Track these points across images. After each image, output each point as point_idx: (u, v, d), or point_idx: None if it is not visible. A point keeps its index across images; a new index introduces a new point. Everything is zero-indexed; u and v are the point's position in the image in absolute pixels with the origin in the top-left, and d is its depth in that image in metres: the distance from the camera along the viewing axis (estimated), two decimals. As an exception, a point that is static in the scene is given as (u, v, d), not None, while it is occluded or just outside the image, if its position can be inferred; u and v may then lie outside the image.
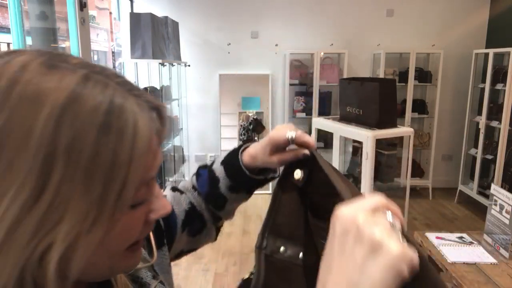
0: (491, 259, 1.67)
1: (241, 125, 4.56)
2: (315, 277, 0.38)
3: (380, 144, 2.87)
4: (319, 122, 3.19)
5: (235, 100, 4.66)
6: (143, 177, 0.38)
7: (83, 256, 0.36)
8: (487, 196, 3.69)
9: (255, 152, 0.65)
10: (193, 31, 4.45)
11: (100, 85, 0.36)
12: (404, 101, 4.37)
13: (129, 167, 0.36)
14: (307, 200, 0.58)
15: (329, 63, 4.45)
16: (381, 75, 4.26)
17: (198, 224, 0.71)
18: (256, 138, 4.62)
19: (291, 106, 4.53)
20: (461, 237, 1.87)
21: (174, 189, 0.73)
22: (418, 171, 4.55)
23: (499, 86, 3.78)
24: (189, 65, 4.33)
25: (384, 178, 3.27)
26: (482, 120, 3.97)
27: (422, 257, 0.34)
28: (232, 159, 0.68)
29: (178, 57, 4.00)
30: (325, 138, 3.97)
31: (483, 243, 1.81)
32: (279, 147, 0.62)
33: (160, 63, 3.29)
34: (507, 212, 1.69)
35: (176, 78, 4.17)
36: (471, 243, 1.82)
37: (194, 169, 0.76)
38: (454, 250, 1.75)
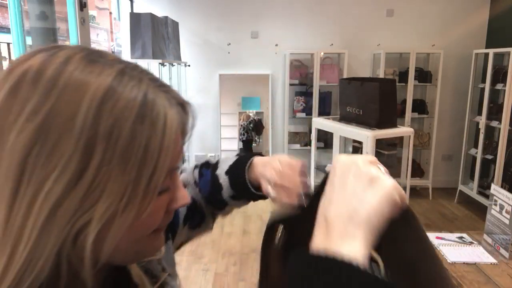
0: (491, 259, 1.67)
1: (241, 125, 4.56)
2: None
3: (380, 144, 2.87)
4: (319, 122, 3.19)
5: (235, 100, 4.66)
6: (170, 166, 0.41)
7: (116, 236, 0.38)
8: (487, 196, 3.69)
9: (262, 172, 0.64)
10: (193, 31, 4.45)
11: (135, 80, 0.39)
12: (404, 101, 4.36)
13: (159, 155, 0.39)
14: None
15: (329, 63, 4.45)
16: (381, 75, 4.26)
17: (198, 218, 0.72)
18: (256, 138, 4.62)
19: (291, 106, 4.53)
20: (461, 237, 1.87)
21: None
22: (418, 171, 4.55)
23: (499, 86, 3.78)
24: (189, 65, 4.33)
25: (384, 178, 3.27)
26: (482, 120, 3.97)
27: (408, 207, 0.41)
28: (238, 171, 0.67)
29: (178, 57, 4.00)
30: (325, 138, 3.97)
31: (483, 243, 1.81)
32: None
33: (160, 63, 3.29)
34: (507, 212, 1.69)
35: (176, 78, 4.16)
36: (471, 243, 1.82)
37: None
38: (454, 250, 1.75)
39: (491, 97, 3.91)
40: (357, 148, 3.22)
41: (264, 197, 0.67)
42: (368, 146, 2.57)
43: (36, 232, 0.35)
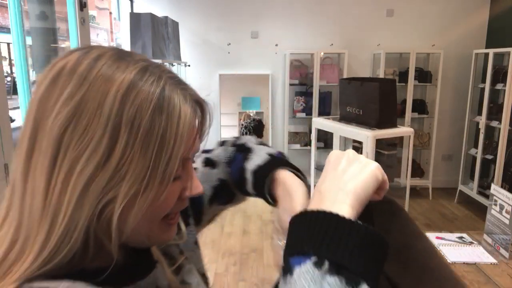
0: (491, 259, 1.67)
1: (242, 124, 4.55)
2: None
3: (380, 144, 2.87)
4: (319, 122, 3.19)
5: (235, 100, 4.66)
6: (183, 155, 0.46)
7: (137, 214, 0.43)
8: (487, 196, 3.69)
9: (280, 194, 0.61)
10: (193, 31, 4.45)
11: (155, 76, 0.45)
12: (404, 101, 4.36)
13: (175, 143, 0.44)
14: None
15: (329, 63, 4.45)
16: (381, 75, 4.26)
17: (226, 197, 0.72)
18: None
19: (291, 106, 4.53)
20: (461, 237, 1.87)
21: (207, 162, 0.72)
22: (418, 171, 4.55)
23: (499, 86, 3.78)
24: (189, 65, 4.33)
25: (384, 178, 3.27)
26: (482, 120, 3.97)
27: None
28: (261, 178, 0.63)
29: (178, 57, 4.00)
30: (325, 138, 3.97)
31: (483, 243, 1.80)
32: None
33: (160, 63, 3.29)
34: (507, 212, 1.69)
35: (176, 78, 4.16)
36: (471, 243, 1.82)
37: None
38: (454, 250, 1.75)
39: (491, 97, 3.91)
40: (357, 148, 3.22)
41: None
42: (368, 146, 2.57)
43: (72, 206, 0.41)
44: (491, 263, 1.65)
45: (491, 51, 3.85)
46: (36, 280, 0.40)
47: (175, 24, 3.88)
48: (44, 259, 0.41)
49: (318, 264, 0.38)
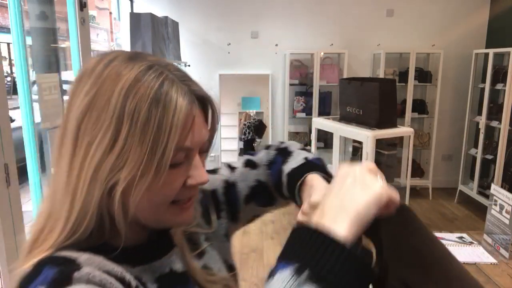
0: (491, 259, 1.67)
1: (245, 124, 4.54)
2: None
3: (380, 144, 2.87)
4: (319, 122, 3.19)
5: (235, 100, 4.66)
6: (179, 144, 0.49)
7: (137, 196, 0.48)
8: (487, 196, 3.69)
9: (305, 196, 0.64)
10: (193, 31, 4.45)
11: (157, 72, 0.49)
12: (404, 101, 4.36)
13: (170, 133, 0.48)
14: None
15: (329, 63, 4.45)
16: (381, 75, 4.26)
17: (265, 199, 0.75)
18: (257, 138, 4.61)
19: (291, 106, 4.52)
20: (461, 237, 1.87)
21: (248, 163, 0.77)
22: (418, 171, 4.55)
23: (499, 86, 3.78)
24: (189, 65, 4.33)
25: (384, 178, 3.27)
26: (482, 120, 3.97)
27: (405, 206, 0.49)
28: (293, 181, 0.67)
29: (178, 57, 4.00)
30: (325, 138, 3.97)
31: (483, 243, 1.80)
32: None
33: (160, 63, 3.29)
34: (507, 212, 1.69)
35: (176, 78, 4.16)
36: (471, 243, 1.82)
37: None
38: (454, 250, 1.75)
39: (491, 97, 3.91)
40: (357, 148, 3.22)
41: None
42: (368, 146, 2.57)
43: (86, 186, 0.48)
44: (491, 263, 1.65)
45: (491, 51, 3.85)
46: (64, 250, 0.48)
47: (175, 24, 3.88)
48: (69, 231, 0.48)
49: (297, 272, 0.40)
